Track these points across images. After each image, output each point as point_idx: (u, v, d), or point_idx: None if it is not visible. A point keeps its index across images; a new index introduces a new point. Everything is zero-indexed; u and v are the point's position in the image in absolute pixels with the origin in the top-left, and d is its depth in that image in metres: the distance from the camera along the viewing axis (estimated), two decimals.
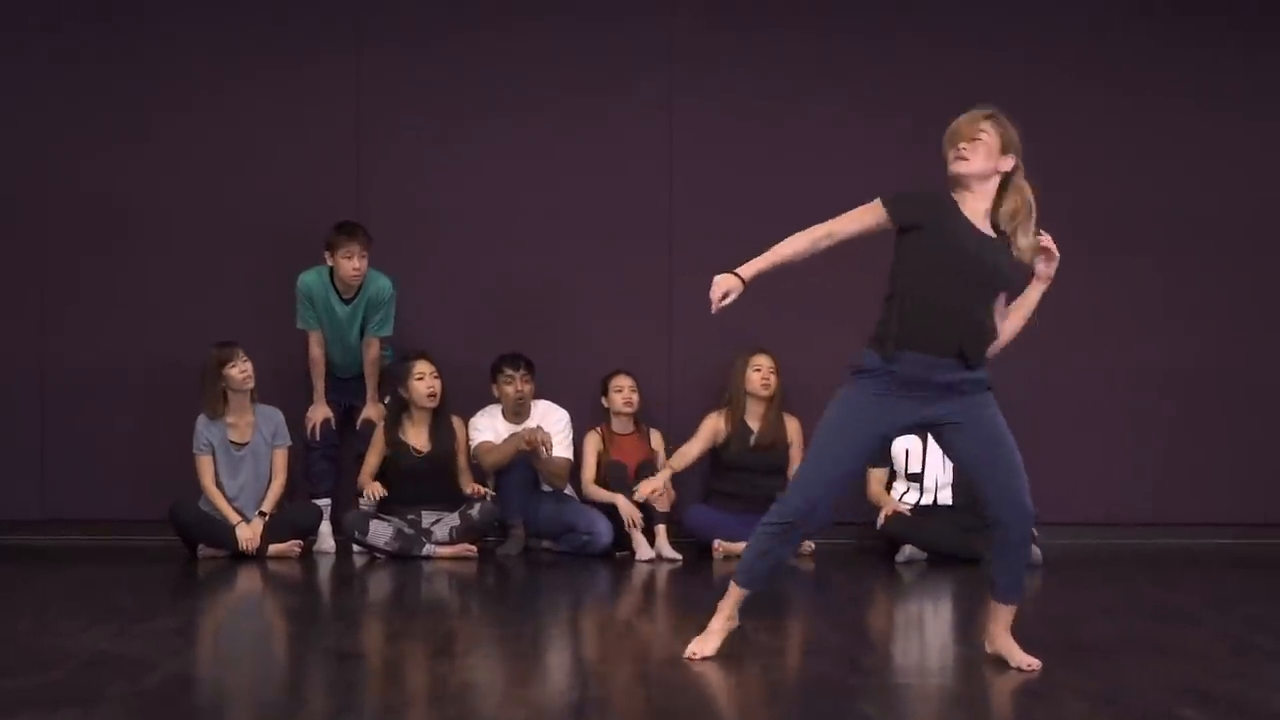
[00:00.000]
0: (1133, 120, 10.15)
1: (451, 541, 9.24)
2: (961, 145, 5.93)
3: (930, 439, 9.52)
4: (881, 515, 9.41)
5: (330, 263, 9.45)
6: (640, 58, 10.07)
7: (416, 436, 9.45)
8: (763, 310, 9.90)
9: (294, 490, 9.52)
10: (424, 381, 9.38)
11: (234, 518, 9.18)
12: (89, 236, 9.96)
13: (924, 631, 7.37)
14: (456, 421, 9.51)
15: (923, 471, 9.55)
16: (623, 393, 9.61)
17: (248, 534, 9.14)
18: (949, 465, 9.50)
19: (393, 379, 9.54)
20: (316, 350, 9.59)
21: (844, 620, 7.44)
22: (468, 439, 9.51)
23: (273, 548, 9.20)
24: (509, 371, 9.46)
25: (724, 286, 5.87)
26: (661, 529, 9.35)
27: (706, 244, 10.07)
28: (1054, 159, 10.04)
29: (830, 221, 6.06)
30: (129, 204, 9.97)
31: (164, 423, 9.77)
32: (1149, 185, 10.14)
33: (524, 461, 9.36)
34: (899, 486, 9.59)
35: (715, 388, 9.79)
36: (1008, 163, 5.93)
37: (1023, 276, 6.02)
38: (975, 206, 5.91)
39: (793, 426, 9.71)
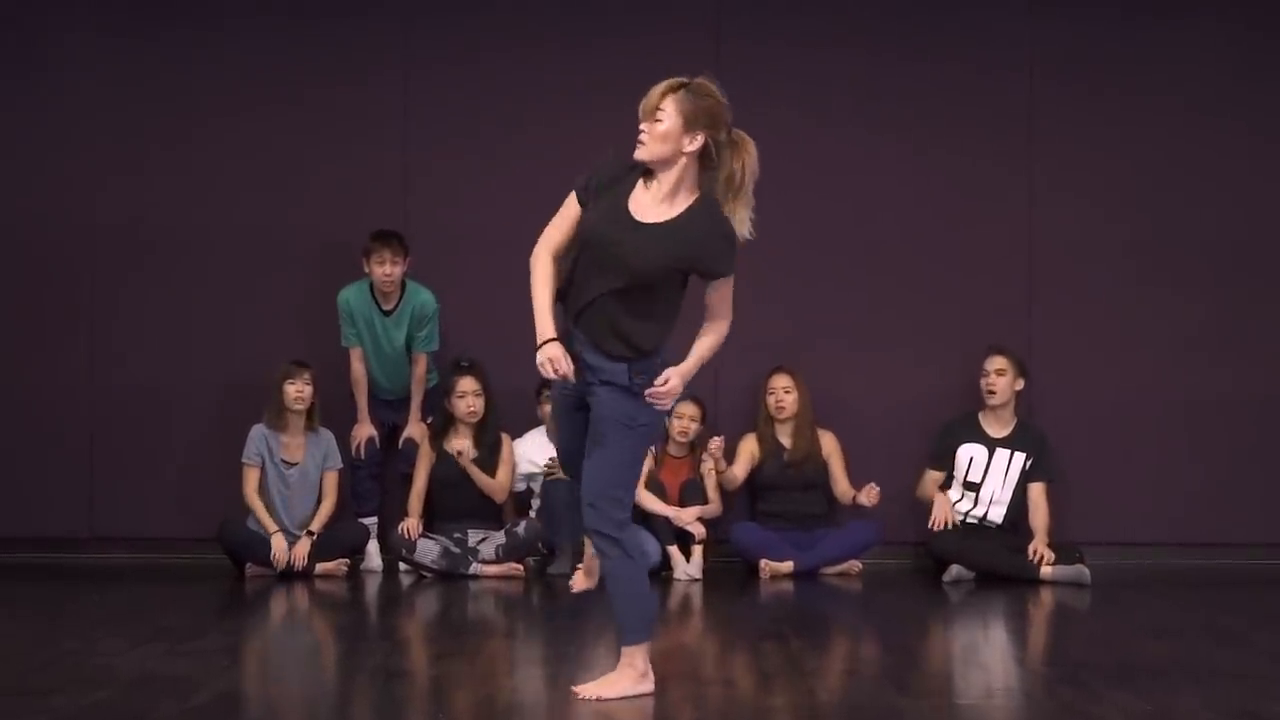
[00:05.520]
0: (1180, 149, 10.07)
1: (498, 560, 9.24)
2: (642, 126, 5.56)
3: (995, 453, 9.51)
4: (933, 518, 9.37)
5: (367, 270, 9.50)
6: (688, 75, 10.03)
7: (461, 446, 9.45)
8: (800, 326, 9.95)
9: (342, 511, 9.54)
10: (465, 400, 9.39)
11: (271, 527, 9.21)
12: (136, 259, 10.00)
13: (971, 652, 7.33)
14: (505, 439, 9.51)
15: (981, 483, 9.51)
16: (681, 420, 9.52)
17: (282, 545, 9.16)
18: (1008, 484, 9.48)
19: (442, 390, 9.55)
20: (358, 367, 9.62)
21: (891, 640, 7.41)
22: (512, 457, 9.54)
23: (320, 566, 9.22)
24: (546, 392, 9.44)
25: (553, 354, 5.58)
26: (697, 549, 9.34)
27: (752, 259, 10.04)
28: (1105, 189, 10.07)
29: (544, 238, 5.72)
30: (174, 226, 10.00)
31: (211, 442, 9.82)
32: (1198, 214, 10.09)
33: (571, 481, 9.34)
34: (953, 492, 9.55)
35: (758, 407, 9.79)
36: (693, 142, 5.55)
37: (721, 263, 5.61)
38: (657, 187, 5.58)
39: (828, 440, 9.68)
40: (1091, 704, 5.61)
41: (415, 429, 9.63)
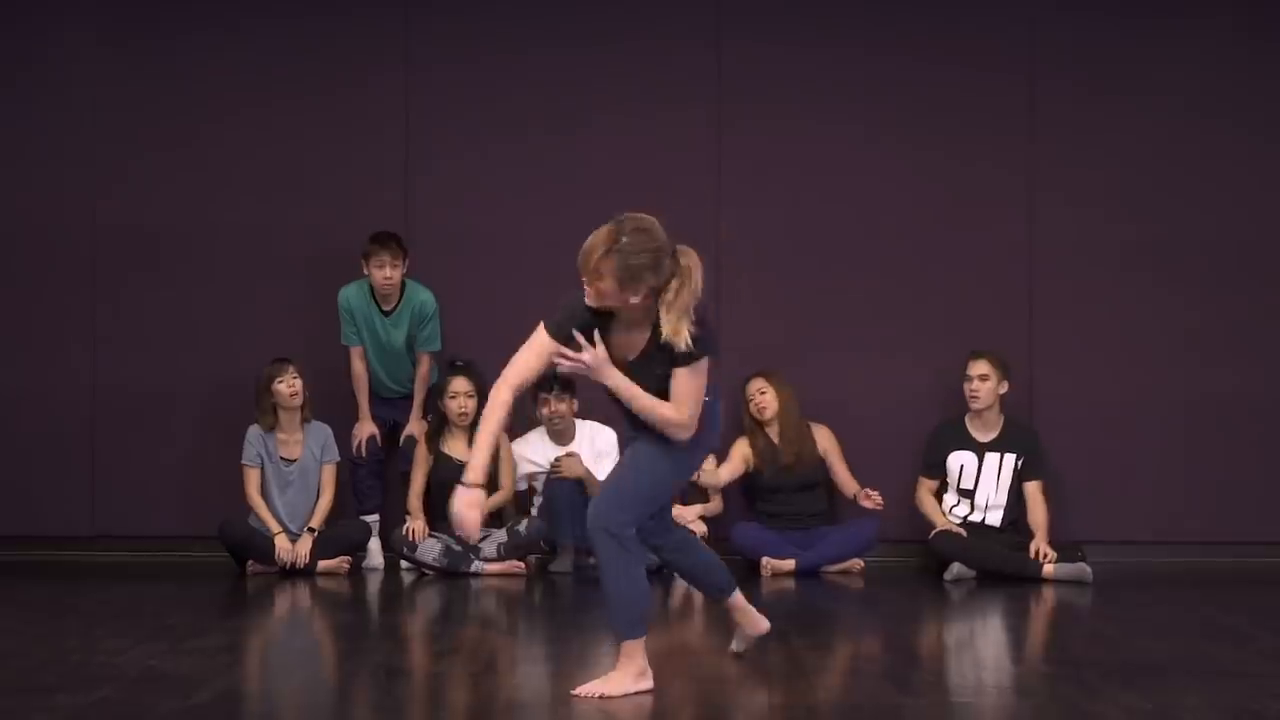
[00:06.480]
0: (1181, 150, 10.05)
1: (500, 558, 9.25)
2: (583, 279, 5.61)
3: (985, 458, 9.51)
4: (933, 532, 9.38)
5: (366, 272, 9.51)
6: (689, 78, 10.06)
7: (458, 448, 9.45)
8: (799, 327, 9.96)
9: (343, 507, 9.55)
10: (456, 401, 9.39)
11: (275, 527, 9.23)
12: (138, 258, 10.00)
13: (972, 650, 7.34)
14: (504, 440, 9.50)
15: (974, 489, 9.51)
16: None
17: (286, 545, 9.18)
18: (1001, 487, 9.49)
19: (437, 391, 9.57)
20: (359, 365, 9.63)
21: (892, 638, 7.41)
22: (512, 458, 9.52)
23: (321, 564, 9.23)
24: (543, 394, 9.42)
25: (470, 503, 5.59)
26: None
27: (754, 265, 10.07)
28: (1105, 190, 10.06)
29: (513, 371, 5.74)
30: (177, 226, 10.01)
31: (213, 440, 9.83)
32: (1198, 216, 10.08)
33: (574, 482, 9.34)
34: (949, 498, 9.56)
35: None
36: (636, 294, 5.56)
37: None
38: (620, 321, 5.70)
39: (823, 436, 9.69)
40: (1092, 702, 5.61)
41: (415, 427, 9.64)
